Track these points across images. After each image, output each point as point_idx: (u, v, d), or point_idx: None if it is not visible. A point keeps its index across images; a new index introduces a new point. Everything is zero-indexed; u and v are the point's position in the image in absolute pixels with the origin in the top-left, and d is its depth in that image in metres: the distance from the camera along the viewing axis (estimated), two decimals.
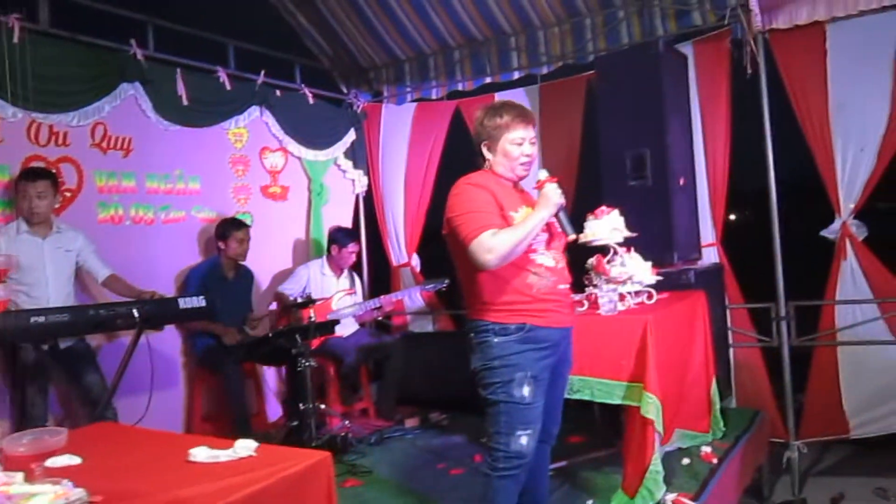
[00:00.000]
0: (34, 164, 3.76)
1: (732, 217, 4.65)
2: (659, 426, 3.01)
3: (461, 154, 5.94)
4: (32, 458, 1.46)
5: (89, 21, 4.22)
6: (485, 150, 2.56)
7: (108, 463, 1.73)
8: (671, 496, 3.04)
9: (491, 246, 2.32)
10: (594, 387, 3.20)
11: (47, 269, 3.57)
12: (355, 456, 4.04)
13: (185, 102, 4.52)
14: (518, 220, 2.40)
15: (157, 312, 3.44)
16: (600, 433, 4.01)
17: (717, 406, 3.90)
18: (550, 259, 2.50)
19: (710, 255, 4.66)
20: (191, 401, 4.52)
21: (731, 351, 4.62)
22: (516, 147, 2.50)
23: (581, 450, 3.81)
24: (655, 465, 3.00)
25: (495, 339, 2.43)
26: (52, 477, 1.51)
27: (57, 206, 3.79)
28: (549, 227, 2.50)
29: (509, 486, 2.47)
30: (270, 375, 5.13)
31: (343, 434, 4.21)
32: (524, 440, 2.41)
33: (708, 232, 4.68)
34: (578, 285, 4.04)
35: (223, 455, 1.66)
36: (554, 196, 2.41)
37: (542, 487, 2.77)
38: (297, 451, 1.74)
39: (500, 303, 2.44)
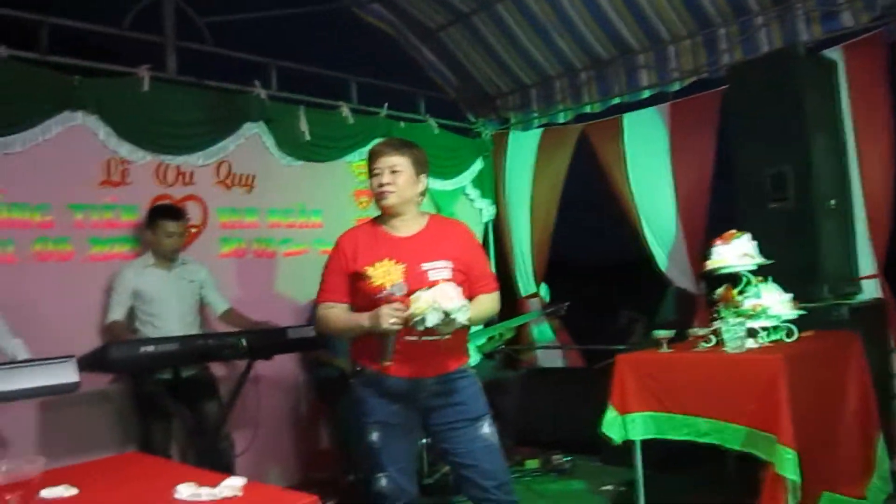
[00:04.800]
0: (161, 202, 3.95)
1: None
2: (795, 487, 2.60)
3: (586, 178, 5.73)
4: (7, 489, 1.43)
5: (214, 66, 4.45)
6: None
7: (99, 497, 1.70)
8: None
9: (318, 318, 2.57)
10: (724, 431, 2.86)
11: (171, 300, 3.71)
12: (465, 497, 3.86)
13: (307, 138, 4.63)
14: (372, 274, 2.41)
15: (266, 342, 3.46)
16: (732, 489, 3.56)
17: (885, 466, 3.35)
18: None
19: (871, 289, 4.06)
20: (311, 432, 4.55)
21: None
22: (374, 180, 2.51)
23: None
24: None
25: (352, 380, 2.54)
26: None
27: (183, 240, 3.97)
28: (408, 278, 2.38)
29: None
30: None
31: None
32: (383, 482, 2.45)
33: (867, 262, 4.09)
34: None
35: (206, 493, 1.56)
36: (383, 320, 2.29)
37: None
38: (285, 493, 1.60)
39: (355, 344, 2.53)
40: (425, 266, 2.43)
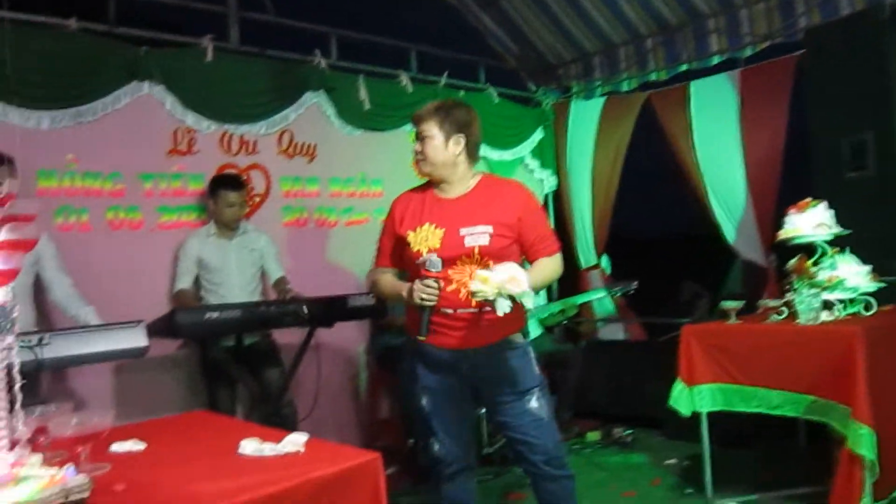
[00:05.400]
0: (223, 172, 3.99)
1: None
2: (872, 465, 2.49)
3: (650, 148, 5.58)
4: (78, 441, 1.47)
5: (276, 36, 4.47)
6: None
7: (166, 451, 1.73)
8: None
9: (371, 282, 2.69)
10: (800, 402, 2.78)
11: (232, 269, 3.76)
12: None
13: (366, 107, 4.62)
14: (412, 239, 2.41)
15: (327, 310, 3.48)
16: (804, 466, 3.46)
17: None
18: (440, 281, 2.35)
19: None
20: (372, 400, 4.60)
21: None
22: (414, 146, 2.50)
23: (779, 483, 3.29)
24: None
25: (405, 348, 2.56)
26: (96, 462, 1.53)
27: (246, 210, 4.04)
28: (445, 243, 2.35)
29: (440, 491, 2.56)
30: None
31: None
32: (436, 447, 2.51)
33: None
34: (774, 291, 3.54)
35: (269, 449, 1.59)
36: (415, 296, 2.30)
37: None
38: (347, 449, 1.61)
39: (407, 313, 2.53)
40: (463, 231, 2.36)
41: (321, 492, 1.41)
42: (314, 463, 1.48)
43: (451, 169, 2.44)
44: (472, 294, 2.19)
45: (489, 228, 2.36)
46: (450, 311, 2.34)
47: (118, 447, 1.70)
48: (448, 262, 2.34)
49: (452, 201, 2.44)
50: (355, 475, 1.49)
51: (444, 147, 2.41)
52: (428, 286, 2.27)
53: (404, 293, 2.37)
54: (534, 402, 2.43)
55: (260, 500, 1.31)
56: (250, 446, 1.60)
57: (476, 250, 2.34)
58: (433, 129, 2.41)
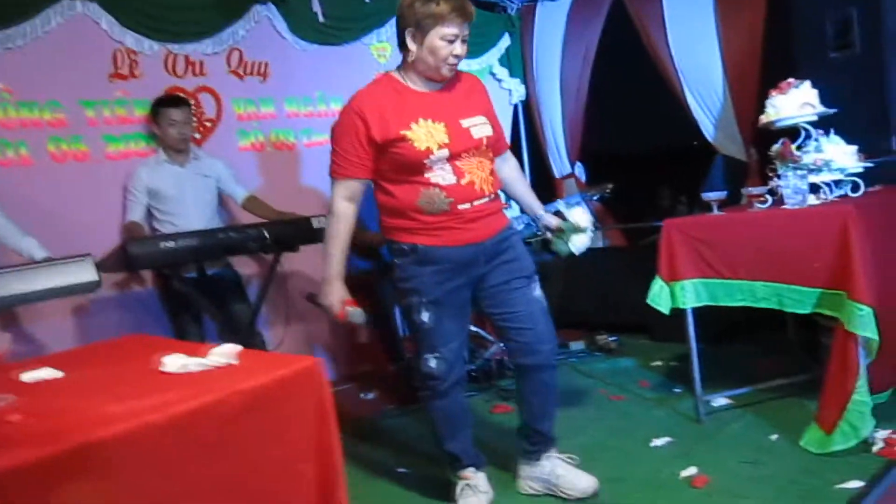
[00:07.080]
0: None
1: None
2: (871, 346, 2.40)
3: (621, 48, 5.32)
4: None
5: None
6: (408, 39, 2.23)
7: (84, 377, 1.58)
8: (882, 433, 2.43)
9: (329, 204, 2.37)
10: (783, 294, 2.66)
11: (187, 196, 3.55)
12: (510, 381, 3.76)
13: (321, 20, 4.32)
14: (413, 137, 2.20)
15: (291, 233, 3.31)
16: (794, 356, 3.39)
17: None
18: (451, 175, 2.26)
19: None
20: (348, 326, 4.45)
21: None
22: (446, 45, 2.19)
23: (769, 375, 3.21)
24: (860, 395, 2.41)
25: (397, 261, 2.37)
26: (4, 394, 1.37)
27: (198, 136, 3.81)
28: (451, 136, 2.24)
29: (435, 408, 2.47)
30: None
31: (498, 358, 3.94)
32: (433, 363, 2.40)
33: None
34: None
35: (194, 364, 1.43)
36: (325, 299, 2.42)
37: (538, 415, 2.51)
38: (284, 357, 1.46)
39: (395, 223, 2.35)
40: (465, 123, 2.27)
41: (255, 404, 1.25)
42: (246, 374, 1.33)
43: None
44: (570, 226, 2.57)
45: (484, 118, 2.33)
46: (467, 205, 2.27)
47: (29, 376, 1.55)
48: (454, 157, 2.24)
49: (437, 94, 2.30)
50: (294, 383, 1.33)
51: None
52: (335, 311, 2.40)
53: (326, 276, 2.40)
54: (538, 290, 2.48)
55: (180, 416, 1.16)
56: (174, 363, 1.43)
57: (484, 141, 2.31)
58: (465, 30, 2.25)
